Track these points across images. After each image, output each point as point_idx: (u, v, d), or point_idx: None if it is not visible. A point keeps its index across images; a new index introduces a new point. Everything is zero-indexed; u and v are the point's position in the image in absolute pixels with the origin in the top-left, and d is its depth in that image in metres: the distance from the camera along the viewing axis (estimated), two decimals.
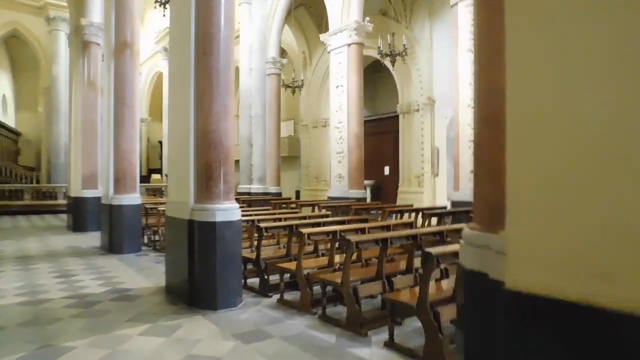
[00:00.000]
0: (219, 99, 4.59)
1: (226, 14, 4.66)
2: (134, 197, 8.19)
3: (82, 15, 11.66)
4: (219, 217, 4.52)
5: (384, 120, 16.17)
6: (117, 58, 8.11)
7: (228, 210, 4.61)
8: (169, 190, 5.25)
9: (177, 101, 4.97)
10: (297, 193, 18.35)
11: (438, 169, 13.23)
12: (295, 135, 18.97)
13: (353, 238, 4.05)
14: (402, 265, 4.67)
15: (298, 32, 17.93)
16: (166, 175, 21.62)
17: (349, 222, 6.20)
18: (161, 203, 11.01)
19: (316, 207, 10.83)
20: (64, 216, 15.65)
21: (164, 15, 8.34)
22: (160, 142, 24.34)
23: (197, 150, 4.64)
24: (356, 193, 11.76)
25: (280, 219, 6.55)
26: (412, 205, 10.34)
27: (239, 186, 16.21)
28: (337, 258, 4.85)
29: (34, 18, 19.00)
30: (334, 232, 4.77)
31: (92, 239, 10.02)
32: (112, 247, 8.08)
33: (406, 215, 8.93)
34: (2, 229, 12.42)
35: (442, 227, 5.33)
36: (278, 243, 6.17)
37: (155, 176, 23.53)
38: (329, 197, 12.48)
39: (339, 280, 4.02)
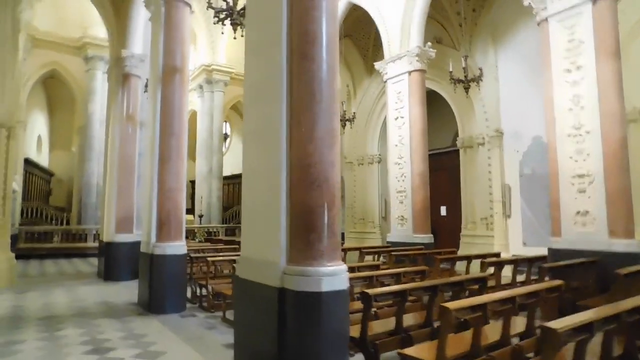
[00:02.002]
0: (322, 119, 3.32)
1: (329, 5, 3.46)
2: (179, 246, 6.92)
3: (123, 46, 10.96)
4: (326, 286, 3.13)
5: (438, 156, 14.75)
6: (164, 84, 7.09)
7: (337, 276, 3.23)
8: (243, 243, 3.94)
9: (260, 125, 3.74)
10: (342, 235, 16.87)
11: (510, 210, 11.62)
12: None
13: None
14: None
15: (341, 65, 17.02)
16: (200, 217, 20.53)
17: (465, 283, 4.73)
18: (208, 249, 9.74)
19: (378, 255, 9.38)
20: (94, 260, 14.54)
21: (223, 33, 7.35)
22: (192, 182, 23.52)
23: (290, 191, 3.34)
24: (422, 238, 10.26)
25: (382, 281, 5.15)
26: (498, 255, 8.72)
27: None
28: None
29: (73, 58, 18.81)
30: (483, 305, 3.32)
31: (126, 291, 8.73)
32: (151, 304, 6.75)
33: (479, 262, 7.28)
34: (28, 276, 11.30)
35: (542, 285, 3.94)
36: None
37: (188, 217, 22.46)
38: (388, 242, 10.99)
39: None
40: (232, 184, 26.21)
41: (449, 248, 10.29)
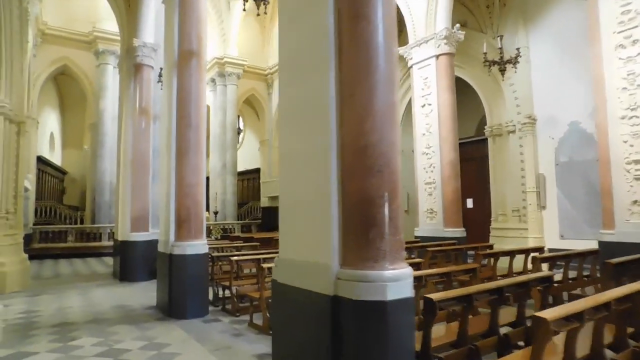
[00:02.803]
0: (381, 90, 2.73)
1: None
2: (200, 245, 6.39)
3: (135, 35, 10.44)
4: (392, 293, 2.56)
5: (463, 146, 13.98)
6: (180, 70, 6.55)
7: (402, 281, 2.64)
8: (282, 243, 3.37)
9: (301, 102, 3.16)
10: None
11: (545, 201, 10.91)
12: None
13: None
14: None
15: None
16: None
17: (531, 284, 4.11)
18: (227, 247, 9.21)
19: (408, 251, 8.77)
20: (109, 260, 14.17)
21: (245, 9, 6.79)
22: (207, 178, 23.13)
23: (343, 178, 2.76)
24: (454, 232, 9.62)
25: (447, 281, 4.59)
26: (543, 248, 8.05)
27: None
28: None
29: (83, 53, 18.42)
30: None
31: (143, 292, 8.26)
32: (171, 308, 6.25)
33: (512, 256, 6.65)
34: (42, 277, 10.93)
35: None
36: None
37: None
38: (416, 237, 10.37)
39: None
40: (247, 179, 25.76)
41: (477, 242, 9.63)
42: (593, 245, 9.53)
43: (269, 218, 20.52)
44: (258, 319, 5.67)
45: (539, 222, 11.03)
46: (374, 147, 2.68)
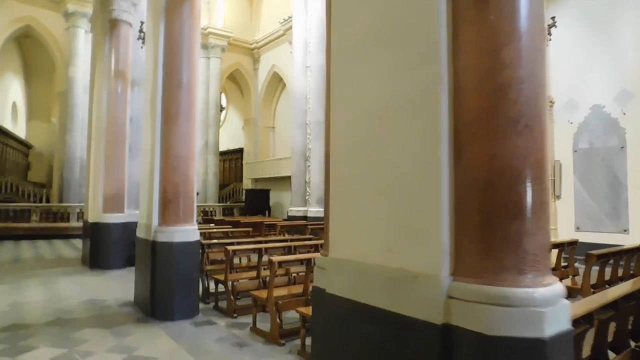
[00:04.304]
0: None
1: None
2: (190, 231, 5.26)
3: None
4: (551, 326, 1.54)
5: None
6: (169, 16, 5.31)
7: (558, 304, 1.63)
8: (335, 236, 2.26)
9: (379, 24, 2.06)
10: None
11: (561, 190, 10.17)
12: None
13: None
14: None
15: None
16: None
17: None
18: (214, 232, 8.05)
19: None
20: (78, 242, 12.83)
21: None
22: None
23: (460, 138, 1.72)
24: None
25: None
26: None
27: (290, 208, 13.32)
28: None
29: (51, 13, 16.60)
30: None
31: (118, 283, 7.10)
32: (154, 307, 5.13)
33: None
34: None
35: None
36: None
37: None
38: None
39: None
40: (228, 159, 24.43)
41: None
42: (611, 239, 8.90)
43: (253, 201, 19.38)
44: (262, 322, 4.64)
45: (553, 212, 10.30)
46: (518, 88, 1.64)
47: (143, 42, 8.47)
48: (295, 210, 12.75)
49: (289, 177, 17.67)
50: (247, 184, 21.77)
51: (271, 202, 19.61)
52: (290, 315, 4.76)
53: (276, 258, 4.35)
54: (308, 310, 3.83)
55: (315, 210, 12.15)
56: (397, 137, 1.91)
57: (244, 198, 20.78)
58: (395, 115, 1.91)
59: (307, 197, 12.61)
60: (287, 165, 17.92)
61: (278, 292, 4.56)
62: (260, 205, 19.21)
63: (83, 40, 16.21)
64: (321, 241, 6.49)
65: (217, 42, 19.37)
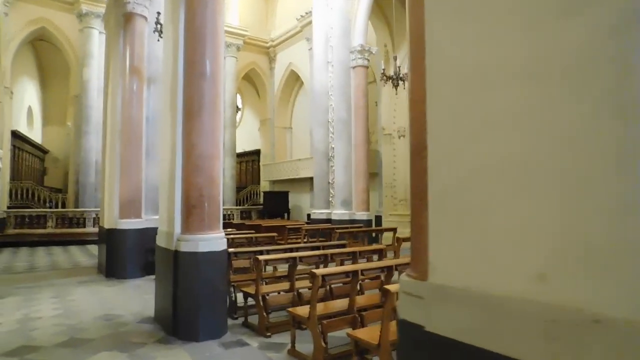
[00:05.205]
0: None
1: None
2: (216, 239, 4.68)
3: None
4: None
5: None
6: (189, 1, 4.75)
7: None
8: (439, 251, 1.63)
9: None
10: (378, 219, 14.67)
11: None
12: (372, 147, 15.41)
13: None
14: None
15: (377, 19, 14.59)
16: None
17: None
18: (238, 238, 7.45)
19: None
20: (94, 248, 12.40)
21: None
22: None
23: None
24: None
25: None
26: None
27: (313, 211, 12.71)
28: None
29: (64, 15, 16.30)
30: None
31: (136, 295, 6.57)
32: (177, 325, 4.55)
33: None
34: (13, 271, 9.15)
35: None
36: None
37: None
38: None
39: None
40: (245, 161, 23.96)
41: None
42: None
43: (271, 203, 18.85)
44: (301, 343, 4.03)
45: None
46: None
47: (160, 35, 7.97)
48: (319, 212, 12.13)
49: (308, 179, 17.14)
50: (264, 186, 21.26)
51: (290, 205, 19.05)
52: (333, 334, 4.15)
53: (319, 271, 3.73)
54: (363, 335, 3.21)
55: (340, 212, 11.54)
56: (550, 101, 1.27)
57: (261, 200, 20.27)
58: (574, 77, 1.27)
59: (330, 199, 11.99)
60: (305, 166, 17.35)
61: (318, 309, 3.94)
62: (279, 208, 18.68)
63: (97, 42, 15.89)
64: (366, 248, 5.86)
65: (233, 40, 18.90)
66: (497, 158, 1.41)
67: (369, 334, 3.25)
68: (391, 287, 2.93)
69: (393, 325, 2.98)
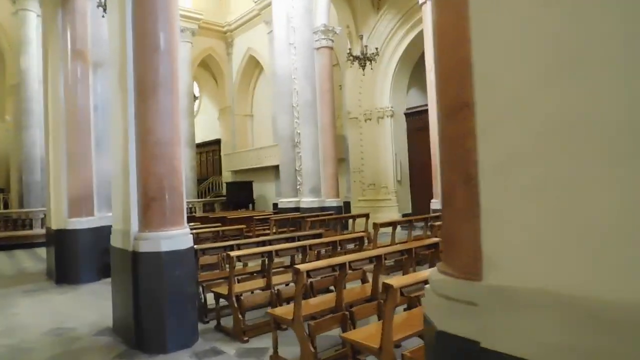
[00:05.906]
0: None
1: None
2: (181, 236, 4.12)
3: None
4: None
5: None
6: None
7: None
8: (491, 244, 1.22)
9: None
10: (347, 205, 14.33)
11: None
12: (338, 132, 15.00)
13: None
14: None
15: (340, 1, 14.09)
16: None
17: None
18: (204, 232, 6.81)
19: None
20: (42, 252, 11.33)
21: None
22: None
23: None
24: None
25: None
26: None
27: (280, 200, 12.21)
28: None
29: None
30: None
31: (91, 302, 5.89)
32: (140, 336, 3.99)
33: None
34: None
35: None
36: None
37: None
38: (435, 210, 8.56)
39: None
40: (205, 152, 23.01)
41: None
42: None
43: (235, 194, 18.17)
44: (284, 346, 3.59)
45: None
46: None
47: (105, 10, 7.14)
48: (286, 201, 11.65)
49: (272, 167, 16.57)
50: (226, 176, 20.47)
51: (255, 195, 18.42)
52: (320, 335, 3.73)
53: (304, 266, 3.27)
54: (360, 337, 2.80)
55: (309, 200, 11.09)
56: None
57: (224, 192, 19.52)
58: None
59: (298, 187, 11.52)
60: (269, 154, 16.77)
61: (306, 309, 3.50)
62: (243, 199, 18.02)
63: (35, 26, 14.43)
64: (345, 237, 5.43)
65: (187, 25, 17.81)
66: (574, 116, 0.99)
67: (365, 335, 2.85)
68: (393, 282, 2.53)
69: (393, 325, 2.60)
